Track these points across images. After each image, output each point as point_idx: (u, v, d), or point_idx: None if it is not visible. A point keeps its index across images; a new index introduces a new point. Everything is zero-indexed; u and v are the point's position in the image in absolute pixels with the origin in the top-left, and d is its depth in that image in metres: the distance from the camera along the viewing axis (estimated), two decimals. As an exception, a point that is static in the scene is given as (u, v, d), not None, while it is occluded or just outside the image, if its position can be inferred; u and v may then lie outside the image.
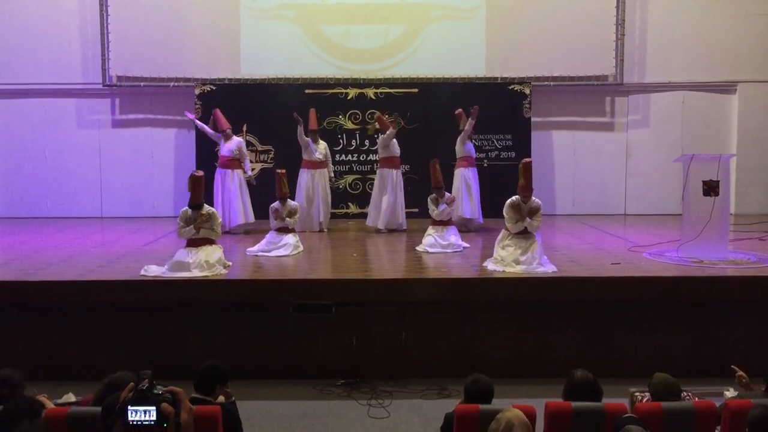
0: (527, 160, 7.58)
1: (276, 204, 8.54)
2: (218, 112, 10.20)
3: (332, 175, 10.58)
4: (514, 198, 7.28)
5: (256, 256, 8.08)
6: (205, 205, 7.23)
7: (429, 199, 8.64)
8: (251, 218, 10.07)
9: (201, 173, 7.39)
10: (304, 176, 10.20)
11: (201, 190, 7.21)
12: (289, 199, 8.60)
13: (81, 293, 6.66)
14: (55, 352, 6.69)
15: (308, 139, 10.15)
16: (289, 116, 10.20)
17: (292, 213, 8.49)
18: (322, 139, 10.49)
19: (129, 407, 2.58)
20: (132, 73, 11.82)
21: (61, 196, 12.12)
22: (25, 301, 6.68)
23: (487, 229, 9.83)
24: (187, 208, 7.18)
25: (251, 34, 11.97)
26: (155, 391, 2.63)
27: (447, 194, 8.67)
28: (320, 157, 10.24)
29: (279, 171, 8.69)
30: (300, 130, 10.01)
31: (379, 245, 9.14)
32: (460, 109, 10.17)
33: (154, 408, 2.58)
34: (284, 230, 8.39)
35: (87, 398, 4.35)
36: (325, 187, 10.29)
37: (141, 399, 2.59)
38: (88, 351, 6.64)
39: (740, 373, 4.63)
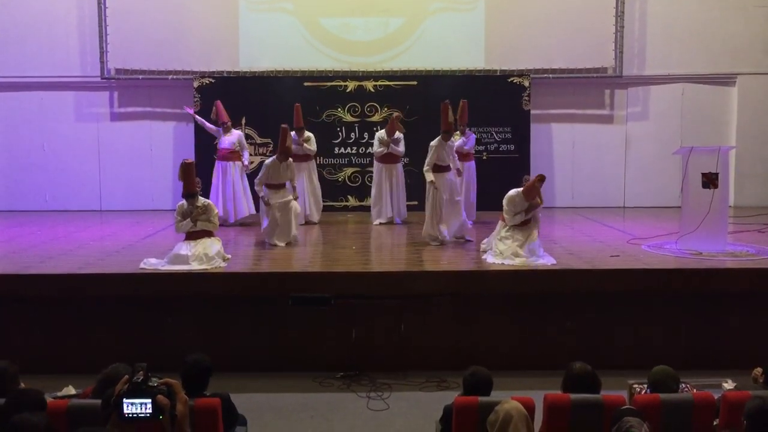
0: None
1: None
2: (219, 104, 10.18)
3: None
4: (513, 192, 7.27)
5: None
6: (200, 197, 7.23)
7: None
8: (253, 210, 10.05)
9: (191, 160, 7.35)
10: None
11: (193, 178, 7.18)
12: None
13: (80, 286, 6.67)
14: (54, 345, 6.69)
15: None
16: (287, 109, 10.18)
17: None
18: (320, 131, 10.46)
19: (124, 400, 2.58)
20: (130, 66, 11.77)
21: (59, 190, 12.09)
22: (24, 294, 6.68)
23: (486, 222, 9.80)
24: (183, 201, 7.18)
25: (250, 26, 11.91)
26: (150, 384, 2.62)
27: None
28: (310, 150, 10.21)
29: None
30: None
31: (379, 238, 9.14)
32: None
33: (149, 400, 2.58)
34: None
35: (87, 391, 4.35)
36: (311, 179, 10.21)
37: (136, 391, 2.59)
38: (87, 344, 6.64)
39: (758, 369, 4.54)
